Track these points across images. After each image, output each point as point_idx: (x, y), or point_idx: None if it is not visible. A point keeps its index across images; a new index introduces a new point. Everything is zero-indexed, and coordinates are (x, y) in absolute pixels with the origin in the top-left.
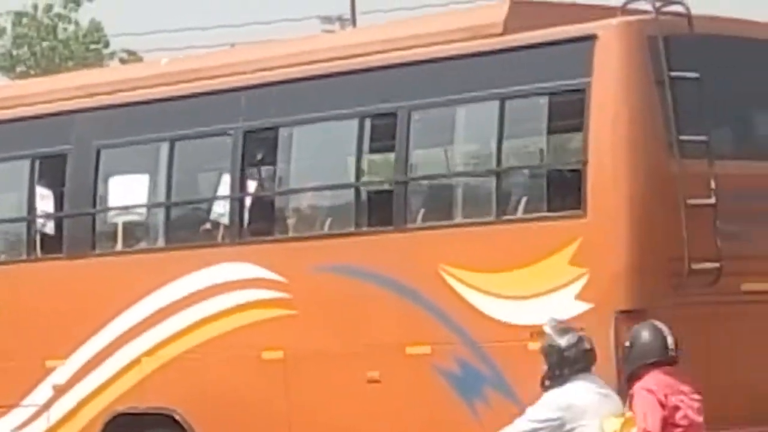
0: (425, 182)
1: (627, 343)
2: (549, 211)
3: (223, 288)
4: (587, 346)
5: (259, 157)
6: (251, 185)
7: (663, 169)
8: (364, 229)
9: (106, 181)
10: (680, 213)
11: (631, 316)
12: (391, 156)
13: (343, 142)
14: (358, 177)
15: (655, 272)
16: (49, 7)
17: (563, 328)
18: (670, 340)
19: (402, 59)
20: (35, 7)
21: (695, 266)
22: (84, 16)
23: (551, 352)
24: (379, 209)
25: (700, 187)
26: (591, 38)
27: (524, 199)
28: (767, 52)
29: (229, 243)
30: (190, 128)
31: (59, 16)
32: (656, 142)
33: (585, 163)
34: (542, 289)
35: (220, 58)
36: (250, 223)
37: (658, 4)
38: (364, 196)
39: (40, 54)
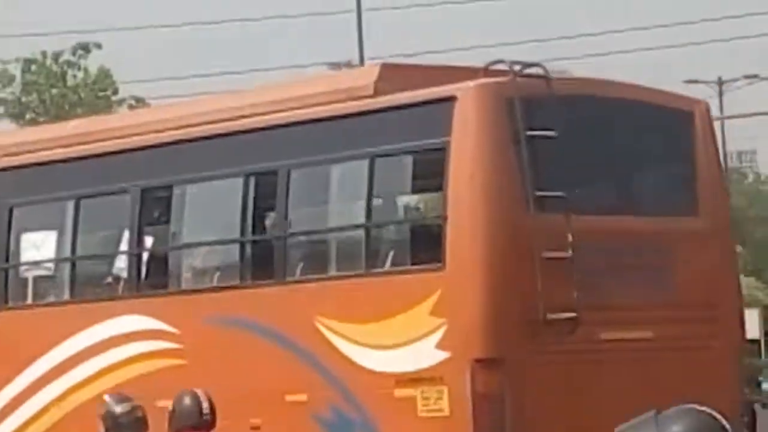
0: (303, 237)
1: (170, 408)
2: (412, 264)
3: (122, 339)
4: (139, 414)
5: (155, 214)
6: (148, 241)
7: (519, 223)
8: (248, 282)
9: (18, 238)
10: (536, 265)
11: (487, 364)
12: (273, 213)
13: (229, 199)
14: (242, 233)
15: (510, 322)
16: (58, 55)
17: (121, 398)
18: (205, 405)
19: (281, 120)
20: (44, 54)
21: (551, 316)
22: (93, 63)
23: (107, 418)
24: (262, 263)
25: (557, 240)
26: (450, 100)
27: (391, 253)
28: (623, 110)
29: (127, 296)
30: (93, 187)
31: (68, 63)
32: (512, 198)
33: (444, 218)
34: (406, 338)
35: (122, 120)
36: (146, 277)
37: (516, 67)
38: (248, 251)
39: (50, 101)
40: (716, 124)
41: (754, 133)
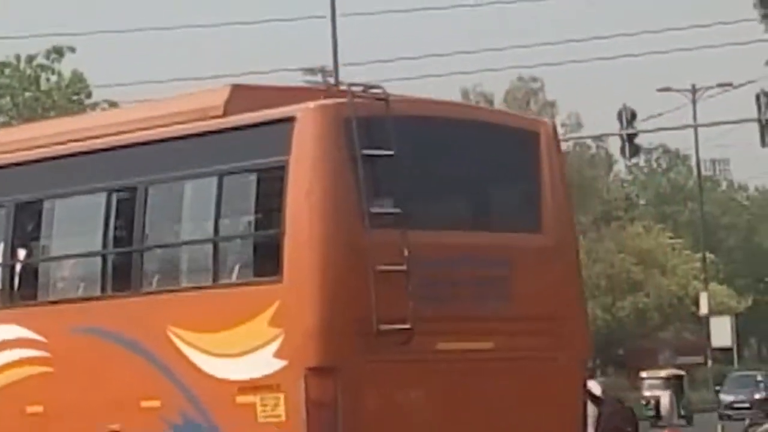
0: (158, 251)
1: None
2: (255, 277)
3: None
4: None
5: (27, 227)
6: (21, 253)
7: (353, 238)
8: (109, 293)
9: None
10: (369, 278)
11: (320, 372)
12: (132, 227)
13: (93, 214)
14: (104, 246)
15: (344, 332)
16: (31, 58)
17: None
18: None
19: (139, 139)
20: (18, 57)
21: (383, 327)
22: (66, 66)
23: None
24: (121, 275)
25: (393, 254)
26: (290, 120)
27: (236, 267)
28: (463, 131)
29: (1, 307)
30: None
31: (42, 66)
32: (347, 214)
33: (283, 233)
34: (248, 347)
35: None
36: (19, 288)
37: (355, 89)
38: (109, 263)
39: (23, 104)
40: (690, 132)
41: (728, 142)
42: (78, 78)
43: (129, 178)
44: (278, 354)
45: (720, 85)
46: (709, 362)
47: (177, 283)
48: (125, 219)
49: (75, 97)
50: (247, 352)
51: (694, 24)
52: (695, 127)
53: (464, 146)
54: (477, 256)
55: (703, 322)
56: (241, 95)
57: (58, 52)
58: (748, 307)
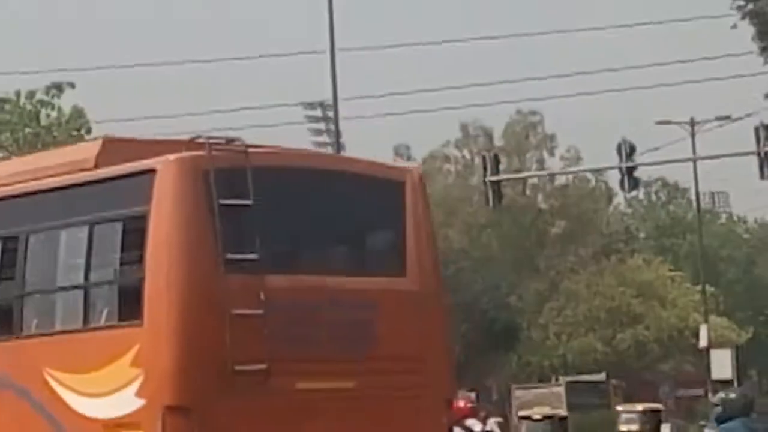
0: (37, 296)
1: None
2: (119, 320)
3: None
4: None
5: None
6: None
7: (209, 284)
8: None
9: None
10: (225, 322)
11: (177, 411)
12: (14, 274)
13: None
14: None
15: (199, 373)
16: (31, 94)
17: None
18: None
19: (21, 191)
20: (18, 93)
21: (239, 368)
22: (66, 102)
23: None
24: (5, 320)
25: (249, 298)
26: (151, 172)
27: (105, 310)
28: (321, 180)
29: None
30: None
31: (42, 102)
32: (203, 260)
33: (143, 279)
34: (112, 387)
35: None
36: None
37: (215, 142)
38: None
39: (23, 140)
40: (689, 165)
41: (727, 175)
42: (78, 113)
43: (13, 227)
44: (139, 393)
45: (719, 118)
46: (710, 395)
47: (52, 327)
48: (8, 266)
49: (75, 133)
50: (112, 391)
51: (693, 57)
52: (694, 160)
53: (326, 195)
54: (339, 299)
55: (704, 355)
56: (112, 148)
57: (58, 87)
58: (748, 340)
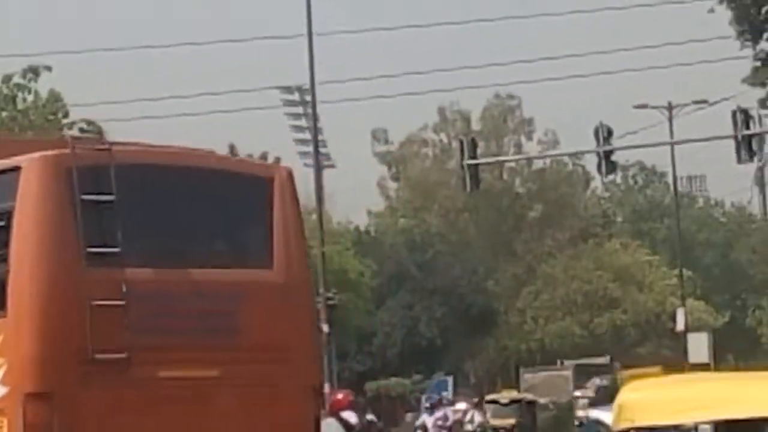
0: None
1: None
2: None
3: None
4: None
5: None
6: None
7: (69, 276)
8: None
9: None
10: (85, 312)
11: (37, 397)
12: None
13: None
14: None
15: (59, 361)
16: (8, 78)
17: None
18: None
19: None
20: None
21: (99, 356)
22: (43, 86)
23: None
24: None
25: (111, 290)
26: (16, 170)
27: None
28: (185, 177)
29: None
30: None
31: (18, 86)
32: (64, 254)
33: (8, 271)
34: None
35: None
36: None
37: (79, 140)
38: None
39: (0, 124)
40: (666, 149)
41: (704, 159)
42: (55, 97)
43: None
44: (3, 381)
45: (696, 102)
46: None
47: None
48: None
49: (52, 117)
50: None
51: (671, 41)
52: (672, 144)
53: (192, 191)
54: (203, 291)
55: (681, 338)
56: None
57: (34, 71)
58: (725, 323)
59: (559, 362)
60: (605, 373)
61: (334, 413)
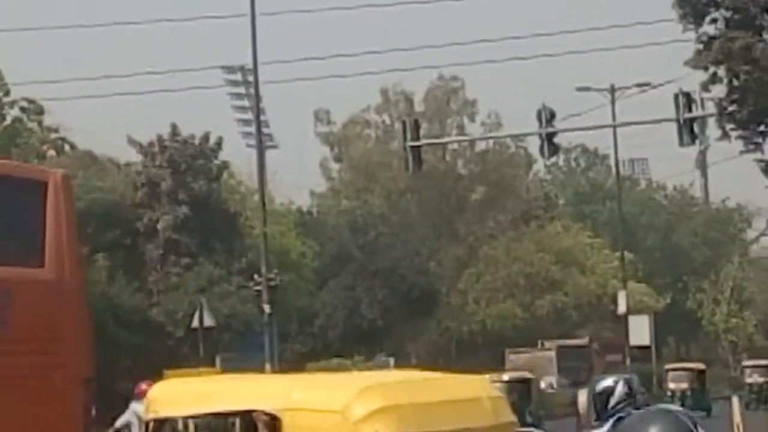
0: None
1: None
2: None
3: None
4: None
5: None
6: None
7: None
8: None
9: None
10: None
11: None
12: None
13: None
14: None
15: None
16: None
17: None
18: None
19: None
20: None
21: None
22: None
23: None
24: None
25: None
26: None
27: None
28: None
29: None
30: None
31: None
32: None
33: None
34: None
35: None
36: None
37: None
38: None
39: None
40: (609, 131)
41: (646, 141)
42: None
43: None
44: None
45: (638, 85)
46: (628, 360)
47: None
48: None
49: None
50: None
51: (613, 24)
52: (614, 126)
53: None
54: None
55: (622, 321)
56: None
57: None
58: (666, 306)
59: (540, 343)
60: (584, 353)
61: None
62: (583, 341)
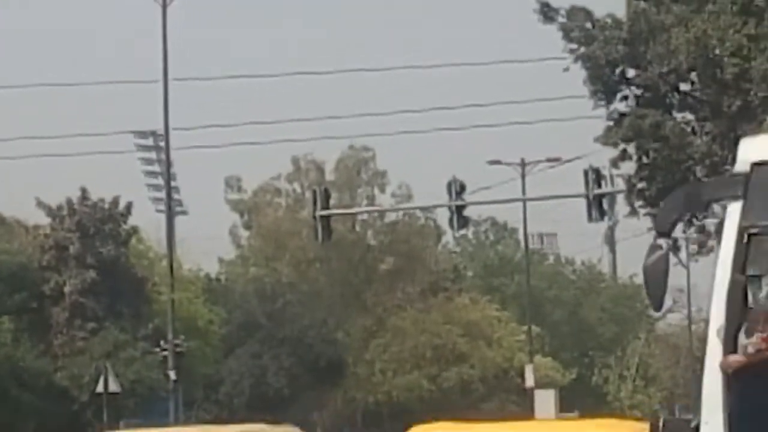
0: None
1: None
2: None
3: None
4: None
5: None
6: None
7: None
8: None
9: None
10: None
11: None
12: None
13: None
14: None
15: None
16: None
17: None
18: None
19: None
20: None
21: None
22: None
23: None
24: None
25: None
26: None
27: None
28: None
29: None
30: None
31: None
32: None
33: None
34: None
35: None
36: None
37: None
38: None
39: None
40: (518, 206)
41: (556, 216)
42: None
43: None
44: None
45: (549, 160)
46: None
47: None
48: None
49: None
50: None
51: (526, 99)
52: (524, 200)
53: None
54: None
55: (528, 395)
56: None
57: None
58: (572, 381)
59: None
60: None
61: None
62: None
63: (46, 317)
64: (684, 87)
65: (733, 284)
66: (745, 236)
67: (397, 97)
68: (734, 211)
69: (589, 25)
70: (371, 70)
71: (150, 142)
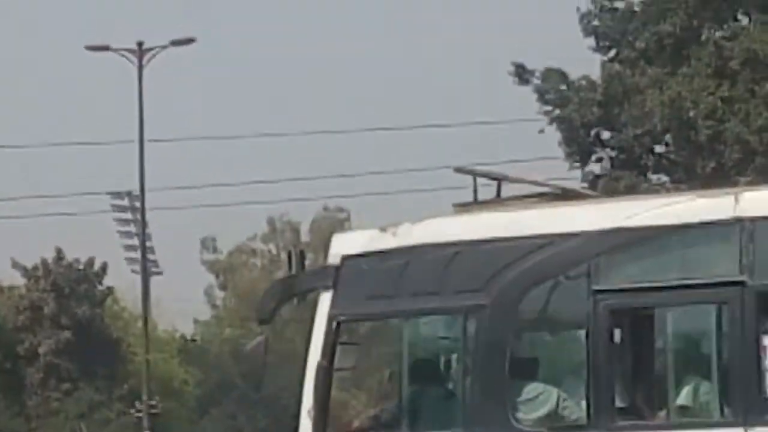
0: None
1: None
2: None
3: None
4: None
5: None
6: None
7: None
8: None
9: None
10: None
11: None
12: None
13: None
14: None
15: None
16: None
17: None
18: None
19: None
20: None
21: None
22: None
23: None
24: None
25: None
26: None
27: None
28: None
29: None
30: None
31: None
32: None
33: None
34: None
35: None
36: None
37: None
38: None
39: None
40: None
41: None
42: None
43: None
44: None
45: None
46: None
47: None
48: None
49: None
50: None
51: (501, 160)
52: None
53: None
54: None
55: None
56: None
57: None
58: None
59: None
60: None
61: None
62: None
63: (20, 378)
64: (659, 149)
65: (319, 369)
66: (334, 323)
67: (371, 158)
68: (325, 300)
69: (564, 87)
70: (343, 132)
71: (125, 202)
